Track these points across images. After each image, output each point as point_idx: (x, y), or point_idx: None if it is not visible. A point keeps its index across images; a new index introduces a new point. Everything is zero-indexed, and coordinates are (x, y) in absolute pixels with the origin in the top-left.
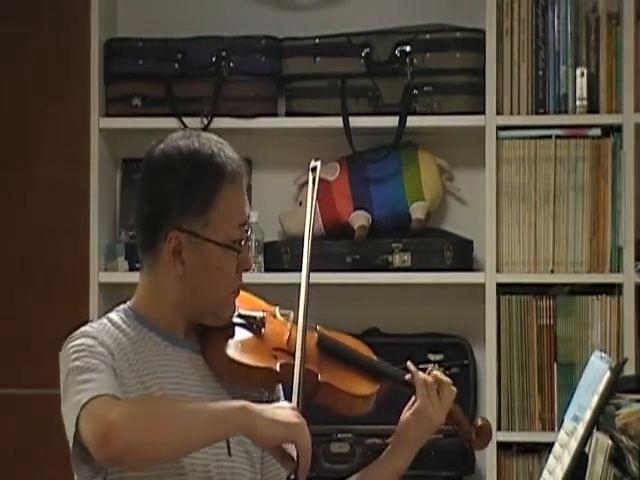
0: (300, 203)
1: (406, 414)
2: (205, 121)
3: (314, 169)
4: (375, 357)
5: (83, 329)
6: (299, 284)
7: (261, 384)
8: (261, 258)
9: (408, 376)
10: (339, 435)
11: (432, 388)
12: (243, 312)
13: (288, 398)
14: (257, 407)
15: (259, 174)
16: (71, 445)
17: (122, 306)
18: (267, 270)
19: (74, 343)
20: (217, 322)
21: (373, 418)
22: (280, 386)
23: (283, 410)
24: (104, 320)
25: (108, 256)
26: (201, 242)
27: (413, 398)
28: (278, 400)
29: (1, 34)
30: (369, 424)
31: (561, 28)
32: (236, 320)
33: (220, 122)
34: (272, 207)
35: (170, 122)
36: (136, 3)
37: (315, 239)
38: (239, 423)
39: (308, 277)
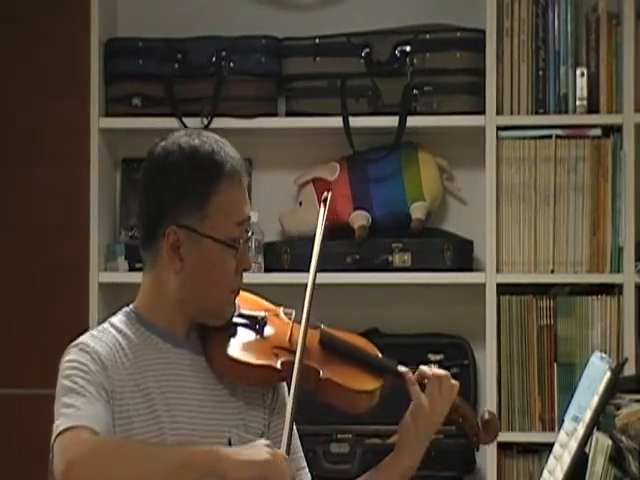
0: (300, 203)
1: (405, 415)
2: (205, 121)
3: (325, 200)
4: (379, 354)
5: (82, 338)
6: (303, 283)
7: (262, 383)
8: (261, 258)
9: (403, 369)
10: (339, 435)
11: (433, 384)
12: (244, 312)
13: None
14: (225, 450)
15: (259, 174)
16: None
17: (125, 309)
18: (267, 270)
19: (69, 357)
20: (217, 322)
21: (373, 418)
22: (284, 384)
23: (253, 449)
24: (106, 325)
25: (108, 256)
26: (199, 238)
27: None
28: (283, 398)
29: (1, 34)
30: (369, 424)
31: (561, 28)
32: (237, 320)
33: (220, 122)
34: (272, 207)
35: (170, 122)
36: (136, 3)
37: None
38: (207, 468)
39: (315, 275)
